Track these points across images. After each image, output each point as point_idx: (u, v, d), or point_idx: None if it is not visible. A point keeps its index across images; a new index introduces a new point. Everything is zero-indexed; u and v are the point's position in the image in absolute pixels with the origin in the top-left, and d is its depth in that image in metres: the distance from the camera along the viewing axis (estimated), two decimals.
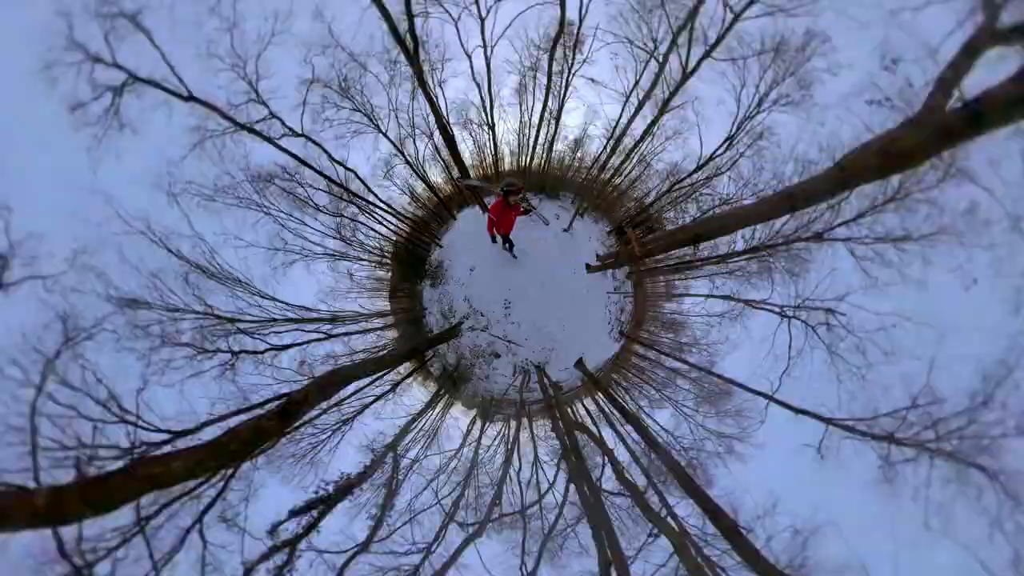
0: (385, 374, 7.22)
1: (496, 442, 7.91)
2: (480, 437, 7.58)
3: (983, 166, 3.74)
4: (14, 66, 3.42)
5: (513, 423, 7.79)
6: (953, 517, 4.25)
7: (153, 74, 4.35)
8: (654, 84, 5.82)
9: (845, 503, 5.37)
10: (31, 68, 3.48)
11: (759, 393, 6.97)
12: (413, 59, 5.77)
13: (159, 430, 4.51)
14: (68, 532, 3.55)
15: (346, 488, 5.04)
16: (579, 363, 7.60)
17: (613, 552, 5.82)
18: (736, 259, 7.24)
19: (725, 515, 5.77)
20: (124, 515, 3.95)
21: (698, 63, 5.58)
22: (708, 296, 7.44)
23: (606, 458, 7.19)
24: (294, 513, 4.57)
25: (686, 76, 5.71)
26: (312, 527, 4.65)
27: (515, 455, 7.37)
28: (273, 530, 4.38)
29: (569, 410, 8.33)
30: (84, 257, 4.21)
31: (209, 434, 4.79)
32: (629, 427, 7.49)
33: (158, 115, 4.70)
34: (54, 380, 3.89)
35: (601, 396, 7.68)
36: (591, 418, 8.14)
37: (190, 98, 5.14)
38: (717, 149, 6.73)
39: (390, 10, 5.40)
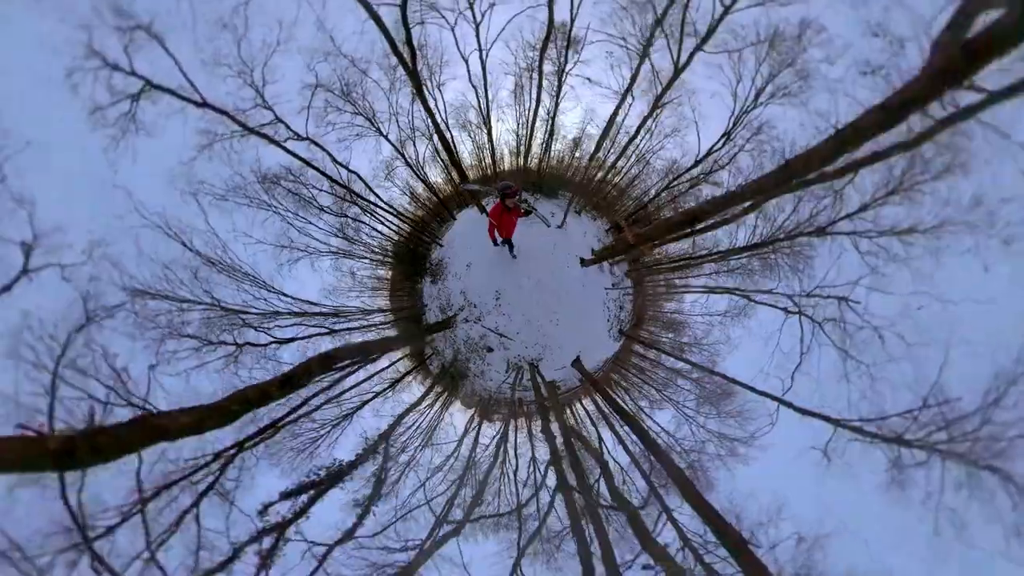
0: (386, 368, 7.36)
1: (494, 441, 7.89)
2: (477, 436, 7.58)
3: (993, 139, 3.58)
4: (40, 72, 3.79)
5: (510, 422, 7.76)
6: (966, 524, 3.98)
7: (164, 78, 4.70)
8: (634, 78, 5.84)
9: (852, 508, 5.10)
10: (55, 74, 3.85)
11: (764, 394, 6.74)
12: (411, 72, 6.00)
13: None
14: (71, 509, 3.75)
15: (337, 474, 5.13)
16: (576, 362, 7.53)
17: (606, 561, 5.61)
18: (738, 256, 7.09)
19: (730, 527, 5.36)
20: (124, 495, 4.15)
21: (689, 57, 5.59)
22: (711, 290, 7.28)
23: (600, 472, 6.94)
24: (285, 495, 4.69)
25: (678, 71, 5.72)
26: (302, 513, 4.74)
27: (506, 454, 7.33)
28: (264, 510, 4.50)
29: (569, 410, 8.24)
30: (101, 249, 4.51)
31: None
32: (628, 429, 7.33)
33: (173, 119, 5.04)
34: (66, 365, 4.15)
35: (599, 397, 7.56)
36: (590, 419, 8.02)
37: (204, 104, 5.50)
38: (715, 144, 6.67)
39: (388, 18, 5.67)
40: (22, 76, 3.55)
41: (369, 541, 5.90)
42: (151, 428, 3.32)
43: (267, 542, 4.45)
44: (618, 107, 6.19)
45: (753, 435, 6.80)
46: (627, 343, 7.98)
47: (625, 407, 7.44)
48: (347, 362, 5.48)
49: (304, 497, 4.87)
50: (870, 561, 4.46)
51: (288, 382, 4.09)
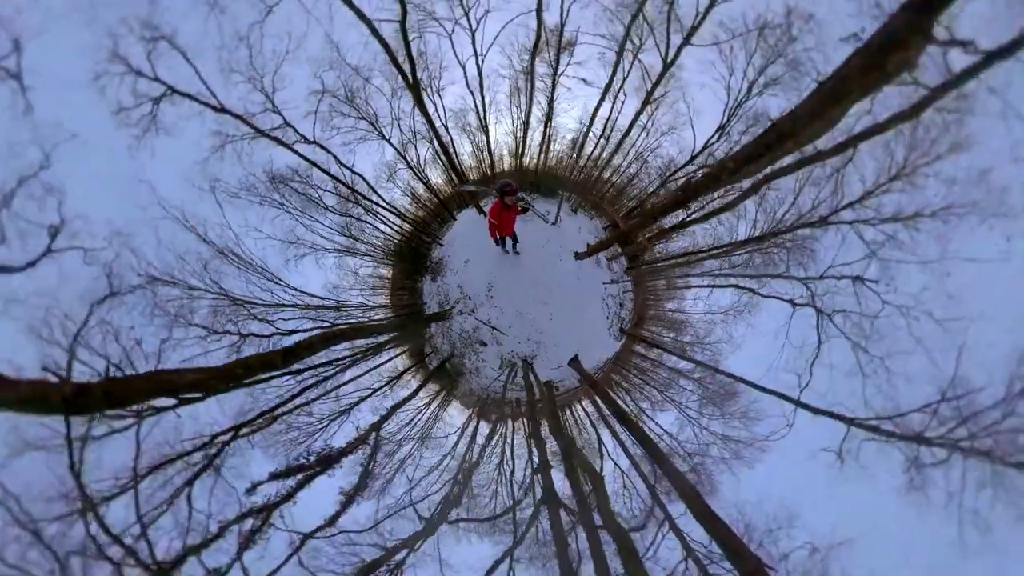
0: (385, 363, 7.46)
1: (493, 441, 7.76)
2: (474, 436, 7.48)
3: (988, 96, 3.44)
4: (71, 74, 4.27)
5: (510, 422, 7.63)
6: (991, 526, 3.59)
7: (182, 83, 5.16)
8: (614, 74, 5.96)
9: (869, 513, 4.69)
10: (84, 77, 4.34)
11: (774, 392, 6.41)
12: (411, 84, 6.37)
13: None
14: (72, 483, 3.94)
15: (326, 459, 5.16)
16: (574, 361, 7.40)
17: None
18: (739, 251, 6.93)
19: (746, 550, 4.44)
20: (123, 469, 4.32)
21: (677, 52, 5.69)
22: (715, 279, 7.07)
23: (592, 488, 6.36)
24: (274, 476, 4.76)
25: (667, 66, 5.82)
26: (289, 497, 4.78)
27: (503, 455, 7.18)
28: (252, 488, 4.57)
29: (568, 411, 8.04)
30: (121, 238, 4.89)
31: (213, 402, 5.27)
32: (630, 434, 7.05)
33: (191, 121, 5.50)
34: (81, 343, 4.43)
35: (598, 399, 7.34)
36: (590, 421, 7.80)
37: (221, 109, 5.98)
38: (711, 138, 6.66)
39: (388, 30, 6.07)
40: (59, 76, 4.01)
41: (359, 537, 5.85)
42: (160, 381, 3.56)
43: (253, 523, 4.49)
44: (598, 104, 6.33)
45: (768, 438, 6.42)
46: (628, 343, 7.81)
47: (626, 409, 7.19)
48: (347, 345, 5.59)
49: (292, 481, 4.92)
50: (889, 569, 4.06)
51: (291, 353, 4.32)
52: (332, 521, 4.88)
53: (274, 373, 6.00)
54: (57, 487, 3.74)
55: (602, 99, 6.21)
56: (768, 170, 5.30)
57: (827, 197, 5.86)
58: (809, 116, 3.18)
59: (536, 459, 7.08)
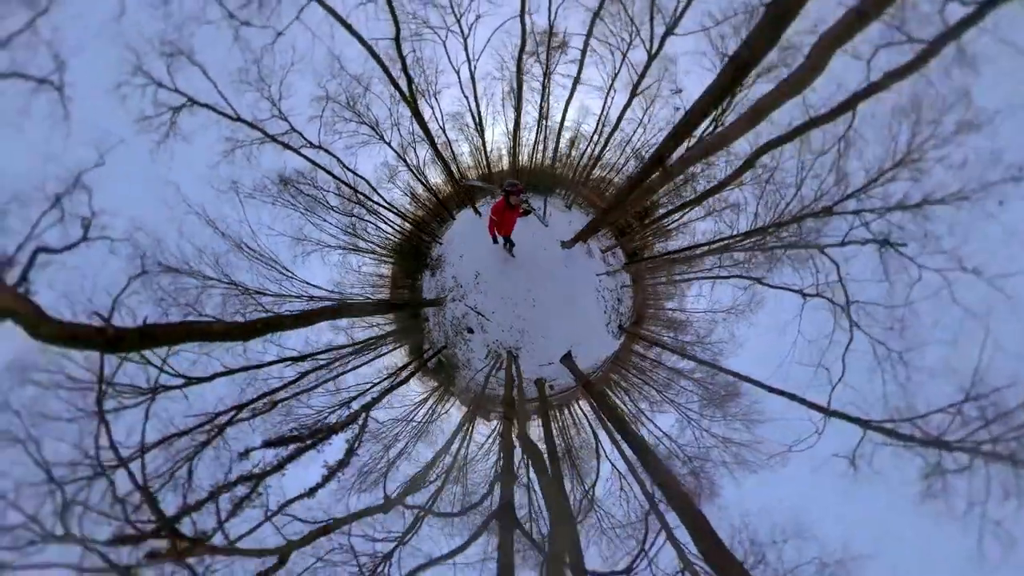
0: (384, 355, 7.66)
1: (490, 439, 7.70)
2: (468, 433, 7.46)
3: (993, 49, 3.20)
4: (101, 85, 4.87)
5: (505, 421, 7.54)
6: (1015, 539, 3.15)
7: (197, 92, 5.72)
8: (579, 67, 5.99)
9: (881, 521, 4.24)
10: (108, 87, 4.94)
11: (781, 392, 5.99)
12: (407, 98, 6.73)
13: (178, 375, 5.36)
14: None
15: (317, 433, 5.35)
16: (567, 358, 7.25)
17: None
18: (741, 245, 6.63)
19: None
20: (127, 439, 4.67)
21: (661, 42, 5.67)
22: (718, 264, 6.76)
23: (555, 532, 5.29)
24: (267, 444, 4.98)
25: (651, 57, 5.81)
26: (279, 467, 4.98)
27: (508, 453, 7.06)
28: (245, 453, 4.82)
29: (567, 411, 7.86)
30: (142, 231, 5.42)
31: (221, 383, 5.69)
32: (626, 443, 6.76)
33: (208, 129, 6.05)
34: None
35: (593, 401, 7.11)
36: (588, 422, 7.57)
37: (238, 119, 6.55)
38: (705, 131, 6.49)
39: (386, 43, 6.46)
40: (91, 87, 4.59)
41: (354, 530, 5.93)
42: (193, 329, 3.97)
43: (237, 491, 4.70)
44: (570, 95, 6.38)
45: (792, 447, 5.93)
46: (628, 341, 7.58)
47: (623, 412, 6.92)
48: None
49: (283, 452, 5.14)
50: None
51: (301, 318, 4.72)
52: (312, 492, 5.05)
53: (275, 360, 6.42)
54: (73, 453, 4.11)
55: (573, 90, 6.27)
56: (764, 141, 5.14)
57: (830, 188, 5.56)
58: (765, 39, 3.07)
59: (524, 463, 6.86)
